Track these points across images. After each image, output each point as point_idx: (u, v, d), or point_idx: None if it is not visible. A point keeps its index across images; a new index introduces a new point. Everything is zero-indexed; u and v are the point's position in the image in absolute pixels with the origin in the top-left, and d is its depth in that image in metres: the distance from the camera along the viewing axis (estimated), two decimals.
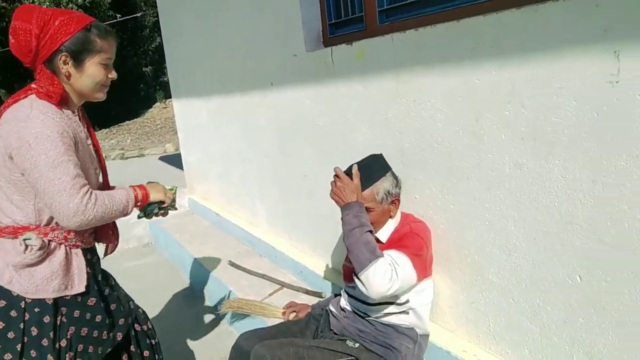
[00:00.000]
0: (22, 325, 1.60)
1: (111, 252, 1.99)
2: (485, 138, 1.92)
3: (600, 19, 1.49)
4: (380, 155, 2.16)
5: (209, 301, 3.74)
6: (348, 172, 2.01)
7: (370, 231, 1.91)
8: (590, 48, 1.53)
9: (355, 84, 2.56)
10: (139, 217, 1.89)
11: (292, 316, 2.52)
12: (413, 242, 2.00)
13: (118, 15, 16.80)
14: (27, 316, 1.61)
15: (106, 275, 1.95)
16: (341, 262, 2.52)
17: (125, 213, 1.72)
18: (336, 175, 1.99)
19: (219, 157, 4.62)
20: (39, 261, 1.61)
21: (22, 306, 1.61)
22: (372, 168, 2.07)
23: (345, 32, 2.75)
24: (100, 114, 14.90)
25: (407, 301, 2.01)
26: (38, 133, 1.50)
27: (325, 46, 2.89)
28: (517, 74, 1.75)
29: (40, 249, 1.60)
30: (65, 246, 1.68)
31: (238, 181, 4.31)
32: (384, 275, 1.79)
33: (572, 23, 1.56)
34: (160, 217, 1.94)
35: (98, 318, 1.76)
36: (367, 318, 2.08)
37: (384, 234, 2.11)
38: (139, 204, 1.80)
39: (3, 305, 1.61)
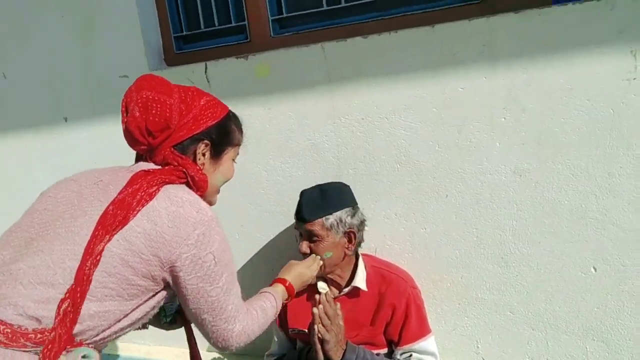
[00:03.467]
0: None
1: None
2: (472, 149, 1.79)
3: (616, 22, 1.55)
4: (347, 186, 1.79)
5: None
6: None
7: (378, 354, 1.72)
8: (606, 49, 1.58)
9: (250, 109, 2.04)
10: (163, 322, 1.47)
11: None
12: (421, 312, 1.80)
13: None
14: None
15: None
16: None
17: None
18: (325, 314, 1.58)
19: None
20: None
21: None
22: (336, 194, 1.73)
23: (203, 46, 2.16)
24: None
25: None
26: (222, 245, 1.20)
27: (168, 65, 2.21)
28: (515, 79, 1.68)
29: None
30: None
31: None
32: None
33: (586, 26, 1.59)
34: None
35: None
36: None
37: (360, 279, 1.76)
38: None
39: None
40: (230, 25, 2.10)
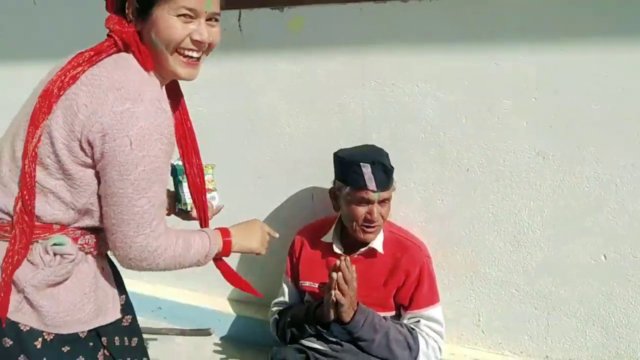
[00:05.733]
0: None
1: None
2: (498, 126, 1.79)
3: None
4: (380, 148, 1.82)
5: None
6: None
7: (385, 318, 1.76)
8: None
9: (281, 62, 2.03)
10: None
11: None
12: (433, 281, 1.82)
13: None
14: None
15: None
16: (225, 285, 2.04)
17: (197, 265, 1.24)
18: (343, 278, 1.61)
19: None
20: (66, 278, 1.13)
21: (37, 346, 1.11)
22: (386, 160, 1.75)
23: None
24: None
25: None
26: (147, 130, 1.03)
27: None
28: (551, 60, 1.67)
29: (73, 260, 1.13)
30: (94, 256, 1.20)
31: None
32: (433, 357, 1.78)
33: (627, 14, 1.56)
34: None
35: (134, 341, 1.34)
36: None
37: (378, 241, 1.80)
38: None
39: (8, 345, 1.10)
40: None
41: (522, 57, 1.70)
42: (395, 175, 1.88)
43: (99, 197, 1.10)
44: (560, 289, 1.88)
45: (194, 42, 1.11)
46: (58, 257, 1.10)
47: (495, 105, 1.77)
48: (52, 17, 2.43)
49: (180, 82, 1.28)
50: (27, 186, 1.04)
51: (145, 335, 2.43)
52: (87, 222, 1.13)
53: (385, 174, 1.69)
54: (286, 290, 1.98)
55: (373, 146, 1.85)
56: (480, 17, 1.72)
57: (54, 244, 1.10)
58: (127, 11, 1.09)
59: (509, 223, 1.88)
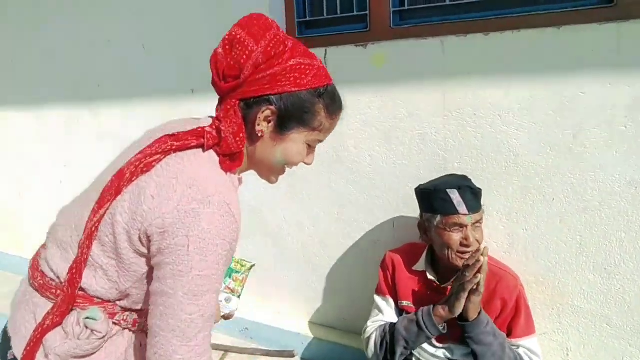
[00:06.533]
0: None
1: None
2: (586, 155, 1.76)
3: None
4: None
5: None
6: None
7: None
8: None
9: (363, 95, 2.12)
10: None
11: None
12: (529, 311, 1.76)
13: None
14: None
15: None
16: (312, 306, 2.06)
17: None
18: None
19: (53, 190, 3.44)
20: (92, 353, 1.06)
21: None
22: (471, 183, 1.76)
23: (325, 33, 2.25)
24: None
25: None
26: (208, 233, 0.96)
27: None
28: None
29: (102, 337, 1.06)
30: (132, 331, 1.14)
31: None
32: None
33: None
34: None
35: None
36: None
37: None
38: None
39: None
40: (352, 14, 2.17)
41: (610, 85, 1.68)
42: None
43: (144, 285, 1.06)
44: None
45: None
46: (88, 331, 1.04)
47: (581, 134, 1.75)
48: None
49: None
50: (80, 261, 1.02)
51: (232, 355, 2.57)
52: (127, 303, 1.09)
53: (473, 195, 1.69)
54: (384, 306, 1.91)
55: (454, 174, 1.86)
56: (561, 47, 1.72)
57: (87, 317, 1.05)
58: (259, 115, 1.05)
59: (599, 254, 1.82)
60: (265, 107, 1.04)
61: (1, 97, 3.51)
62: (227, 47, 1.03)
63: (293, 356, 2.51)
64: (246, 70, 1.01)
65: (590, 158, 1.76)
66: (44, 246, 1.15)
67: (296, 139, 1.09)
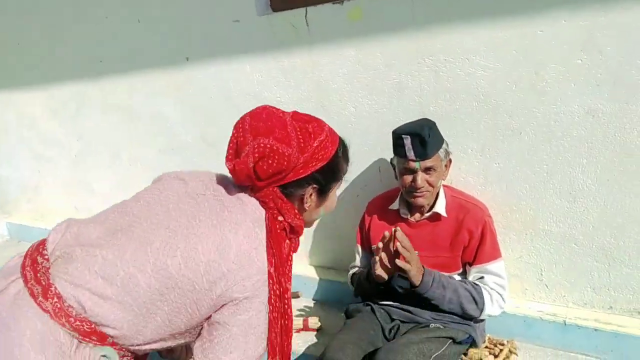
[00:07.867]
0: None
1: None
2: (547, 89, 1.90)
3: None
4: (430, 120, 1.99)
5: None
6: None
7: (451, 277, 1.93)
8: None
9: (344, 49, 2.27)
10: None
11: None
12: (495, 238, 1.96)
13: None
14: None
15: None
16: (312, 251, 2.29)
17: None
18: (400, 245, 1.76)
19: (68, 161, 3.66)
20: None
21: None
22: (434, 130, 1.92)
23: None
24: None
25: None
26: (265, 300, 1.14)
27: (273, 10, 2.47)
28: (594, 22, 1.76)
29: None
30: None
31: (113, 187, 3.49)
32: (498, 308, 1.92)
33: None
34: None
35: None
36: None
37: (441, 206, 1.98)
38: None
39: None
40: None
41: (565, 22, 1.81)
42: (452, 144, 2.06)
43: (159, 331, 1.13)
44: (619, 240, 1.96)
45: None
46: None
47: (542, 70, 1.89)
48: None
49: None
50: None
51: None
52: (132, 341, 1.12)
53: (421, 143, 1.83)
54: (358, 256, 2.22)
55: (423, 119, 2.01)
56: None
57: (104, 355, 1.09)
58: (306, 197, 1.23)
59: (564, 180, 1.98)
60: (308, 187, 1.21)
61: (12, 80, 3.70)
62: (257, 159, 1.13)
63: (299, 297, 2.73)
64: (288, 169, 1.16)
65: (551, 92, 1.90)
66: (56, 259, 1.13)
67: (333, 193, 1.31)
